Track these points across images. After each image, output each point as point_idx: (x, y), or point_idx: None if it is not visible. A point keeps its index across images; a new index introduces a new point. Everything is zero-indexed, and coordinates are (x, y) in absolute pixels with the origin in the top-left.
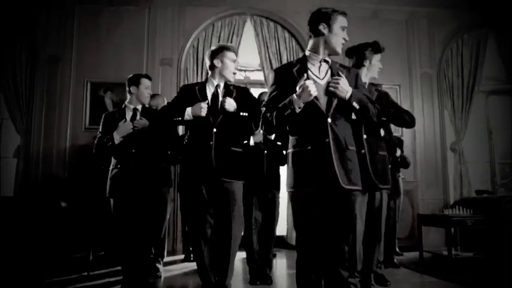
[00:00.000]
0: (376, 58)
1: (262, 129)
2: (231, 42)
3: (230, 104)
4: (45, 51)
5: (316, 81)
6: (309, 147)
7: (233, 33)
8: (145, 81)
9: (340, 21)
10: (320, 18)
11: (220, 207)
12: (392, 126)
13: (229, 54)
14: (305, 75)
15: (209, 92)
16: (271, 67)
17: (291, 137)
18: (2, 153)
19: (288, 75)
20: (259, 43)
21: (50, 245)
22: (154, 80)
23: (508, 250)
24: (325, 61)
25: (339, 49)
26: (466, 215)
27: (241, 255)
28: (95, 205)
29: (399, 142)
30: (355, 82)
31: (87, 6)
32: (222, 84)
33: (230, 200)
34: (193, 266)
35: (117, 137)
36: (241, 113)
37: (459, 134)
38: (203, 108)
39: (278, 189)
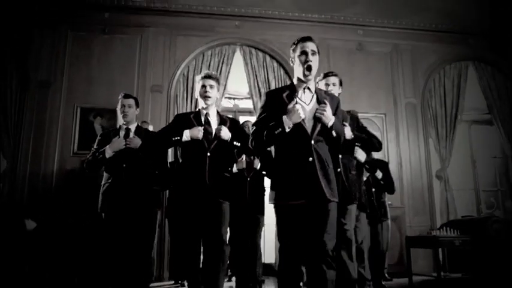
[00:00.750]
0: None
1: (251, 145)
2: (221, 71)
3: (225, 133)
4: (37, 76)
5: (303, 106)
6: (294, 165)
7: (223, 62)
8: (122, 101)
9: (299, 49)
10: (290, 53)
11: (211, 225)
12: None
13: (197, 79)
14: (295, 99)
15: (203, 118)
16: (260, 95)
17: (275, 155)
18: None
19: (278, 99)
20: (248, 72)
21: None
22: (144, 106)
23: (496, 268)
24: (309, 89)
25: (302, 76)
26: (453, 236)
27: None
28: (82, 227)
29: (383, 164)
30: (336, 109)
31: (80, 34)
32: (211, 112)
33: (221, 219)
34: None
35: (109, 152)
36: (235, 142)
37: (444, 161)
38: (200, 131)
39: (262, 213)
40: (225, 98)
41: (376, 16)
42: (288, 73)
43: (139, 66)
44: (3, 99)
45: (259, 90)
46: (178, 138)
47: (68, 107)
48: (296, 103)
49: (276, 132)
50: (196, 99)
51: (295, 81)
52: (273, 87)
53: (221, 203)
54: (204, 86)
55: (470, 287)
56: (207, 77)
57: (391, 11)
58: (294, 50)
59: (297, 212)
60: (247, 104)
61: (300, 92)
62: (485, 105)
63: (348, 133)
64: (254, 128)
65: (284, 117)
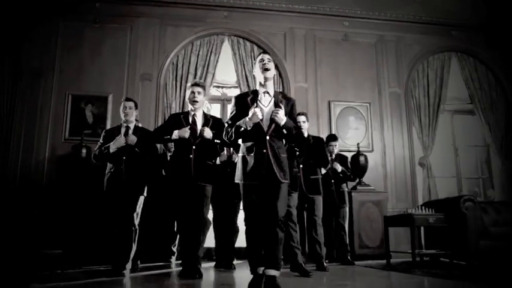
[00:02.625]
0: None
1: (225, 138)
2: (209, 61)
3: (208, 133)
4: (29, 65)
5: (262, 108)
6: (252, 154)
7: (211, 51)
8: (124, 103)
9: (258, 62)
10: (254, 65)
11: (195, 203)
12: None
13: (188, 86)
14: (255, 104)
15: (190, 118)
16: (248, 84)
17: (241, 146)
18: None
19: (243, 102)
20: (236, 62)
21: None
22: (134, 94)
23: (468, 244)
24: (268, 93)
25: (264, 76)
26: (427, 214)
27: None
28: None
29: (341, 158)
30: (290, 110)
31: (71, 24)
32: (198, 113)
33: (204, 198)
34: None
35: (113, 148)
36: (216, 140)
37: (426, 149)
38: (187, 132)
39: (239, 199)
40: (213, 87)
41: (362, 8)
42: (275, 63)
43: (130, 55)
44: None
45: (246, 79)
46: (169, 137)
47: (59, 94)
48: (256, 106)
49: (240, 130)
50: (185, 87)
51: (257, 87)
52: None
53: (204, 186)
54: (193, 92)
55: (443, 261)
56: (196, 85)
57: (377, 2)
58: (255, 63)
59: (253, 190)
60: (235, 93)
61: (261, 95)
62: (467, 95)
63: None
64: (226, 125)
65: (246, 118)
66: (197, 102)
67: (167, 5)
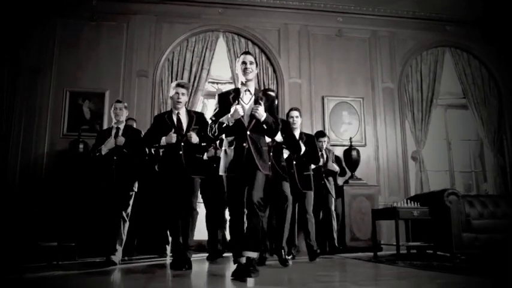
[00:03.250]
0: None
1: (209, 134)
2: (204, 57)
3: (195, 139)
4: (27, 62)
5: (243, 105)
6: (232, 148)
7: (206, 48)
8: (114, 105)
9: (239, 61)
10: (236, 64)
11: (185, 194)
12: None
13: (173, 85)
14: (236, 101)
15: (175, 117)
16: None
17: (224, 141)
18: None
19: (226, 100)
20: (231, 57)
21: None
22: (130, 91)
23: (452, 236)
24: (249, 91)
25: (243, 78)
26: (411, 207)
27: None
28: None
29: (336, 160)
30: (270, 105)
31: (68, 21)
32: (182, 111)
33: (193, 189)
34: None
35: (104, 150)
36: (202, 144)
37: (419, 144)
38: (173, 138)
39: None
40: (209, 82)
41: (355, 3)
42: (270, 58)
43: (126, 52)
44: None
45: None
46: (158, 145)
47: (57, 91)
48: (237, 104)
49: (223, 126)
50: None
51: (239, 85)
52: None
53: (193, 178)
54: (177, 93)
55: (426, 253)
56: (180, 86)
57: None
58: (237, 62)
59: (234, 181)
60: (230, 88)
61: (242, 93)
62: (461, 90)
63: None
64: (210, 121)
65: (228, 115)
66: (181, 102)
67: (163, 2)
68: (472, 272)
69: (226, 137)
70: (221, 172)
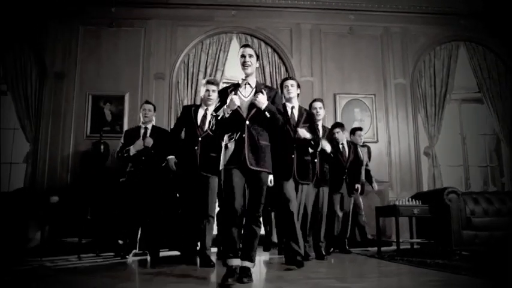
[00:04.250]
0: None
1: (211, 130)
2: (218, 58)
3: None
4: (52, 68)
5: (241, 98)
6: (233, 140)
7: (220, 49)
8: (143, 105)
9: (239, 54)
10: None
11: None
12: None
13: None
14: (233, 92)
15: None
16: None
17: (225, 136)
18: (13, 159)
19: (225, 94)
20: None
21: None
22: (148, 93)
23: (451, 234)
24: (249, 84)
25: (244, 72)
26: (412, 205)
27: None
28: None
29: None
30: (273, 98)
31: (90, 28)
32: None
33: (210, 186)
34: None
35: (133, 150)
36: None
37: (432, 139)
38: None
39: None
40: (223, 83)
41: (367, 0)
42: (282, 58)
43: (144, 56)
44: (25, 90)
45: None
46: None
47: (80, 95)
48: (235, 94)
49: (219, 118)
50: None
51: (240, 80)
52: (267, 72)
53: (208, 177)
54: (207, 90)
55: (428, 250)
56: (209, 82)
57: None
58: (239, 52)
59: (231, 174)
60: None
61: (242, 87)
62: (475, 84)
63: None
64: (211, 116)
65: (224, 106)
66: (212, 99)
67: (177, 7)
68: (460, 270)
69: (226, 131)
70: (221, 166)
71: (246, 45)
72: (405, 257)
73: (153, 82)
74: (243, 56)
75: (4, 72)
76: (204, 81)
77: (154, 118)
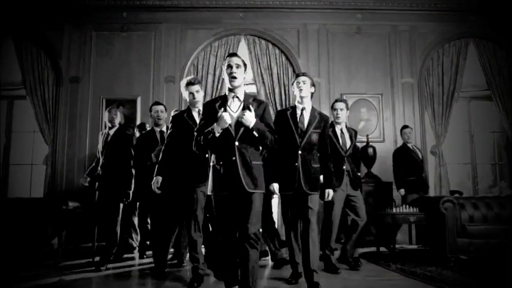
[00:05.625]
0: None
1: (194, 148)
2: None
3: None
4: (68, 73)
5: (230, 113)
6: (221, 163)
7: (229, 51)
8: (153, 107)
9: (226, 64)
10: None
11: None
12: None
13: (182, 86)
14: (222, 108)
15: (195, 115)
16: (263, 81)
17: (212, 156)
18: (34, 161)
19: (212, 109)
20: (252, 60)
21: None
22: (159, 95)
23: (446, 241)
24: (237, 97)
25: (229, 85)
26: (409, 213)
27: None
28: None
29: None
30: (262, 112)
31: (103, 33)
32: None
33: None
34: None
35: (154, 159)
36: None
37: (439, 138)
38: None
39: None
40: None
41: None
42: (289, 59)
43: (155, 59)
44: (43, 95)
45: (262, 76)
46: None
47: (95, 99)
48: (224, 111)
49: (208, 137)
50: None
51: (226, 92)
52: (275, 73)
53: (198, 187)
54: (191, 93)
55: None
56: (190, 84)
57: None
58: (223, 65)
59: (224, 200)
60: (252, 89)
61: (230, 100)
62: (485, 81)
63: None
64: (196, 133)
65: (214, 124)
66: (198, 101)
67: (186, 10)
68: (444, 285)
69: (213, 151)
70: (209, 192)
71: (232, 54)
72: (400, 261)
73: (163, 85)
74: (229, 66)
75: (23, 77)
76: (183, 84)
77: (165, 117)
